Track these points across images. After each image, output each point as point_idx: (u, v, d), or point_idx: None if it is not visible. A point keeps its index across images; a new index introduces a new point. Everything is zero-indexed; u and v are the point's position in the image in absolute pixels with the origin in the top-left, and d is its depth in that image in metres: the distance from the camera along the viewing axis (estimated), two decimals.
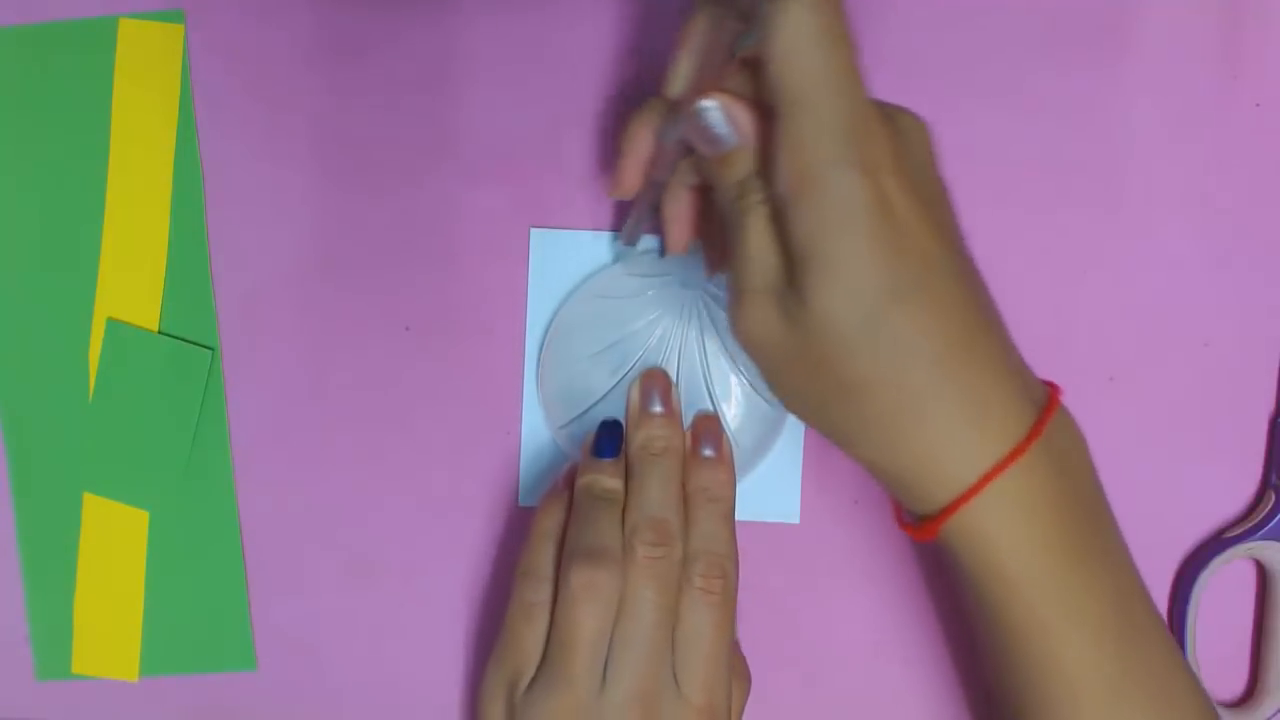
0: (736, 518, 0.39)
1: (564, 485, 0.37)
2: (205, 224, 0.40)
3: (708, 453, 0.36)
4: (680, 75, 0.32)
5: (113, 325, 0.40)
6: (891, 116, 0.30)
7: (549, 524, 0.36)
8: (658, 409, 0.37)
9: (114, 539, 0.41)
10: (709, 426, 0.37)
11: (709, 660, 0.33)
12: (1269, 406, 0.40)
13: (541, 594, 0.34)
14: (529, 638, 0.34)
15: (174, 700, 0.41)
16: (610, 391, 0.38)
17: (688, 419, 0.37)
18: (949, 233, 0.30)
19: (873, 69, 0.39)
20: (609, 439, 0.37)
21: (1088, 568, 0.31)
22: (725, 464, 0.36)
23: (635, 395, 0.37)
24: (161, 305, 0.40)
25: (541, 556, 0.35)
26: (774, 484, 0.40)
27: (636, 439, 0.36)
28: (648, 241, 0.40)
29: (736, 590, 0.34)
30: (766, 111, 0.29)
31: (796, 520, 0.40)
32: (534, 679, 0.33)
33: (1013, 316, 0.40)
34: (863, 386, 0.29)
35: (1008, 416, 0.30)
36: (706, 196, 0.35)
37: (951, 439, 0.29)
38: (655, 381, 0.37)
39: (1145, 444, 0.40)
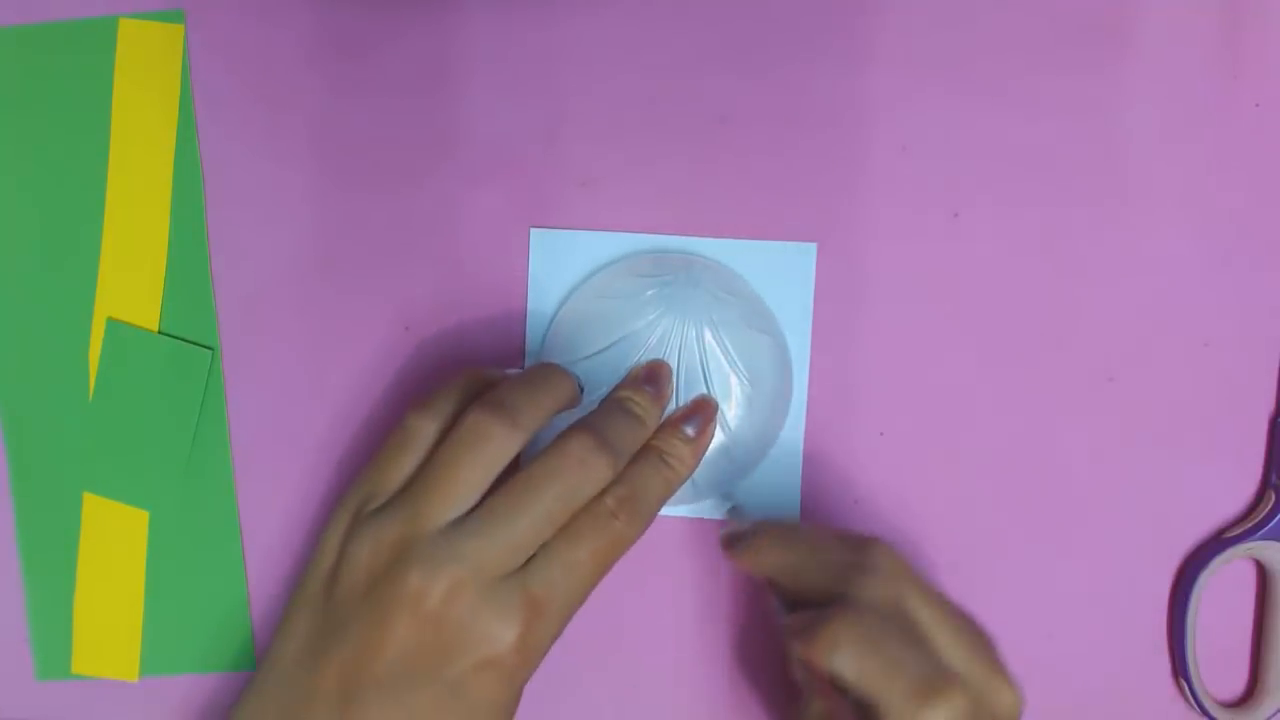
0: (737, 517, 0.39)
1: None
2: (205, 224, 0.40)
3: (688, 431, 0.36)
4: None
5: (113, 325, 0.40)
6: None
7: (469, 381, 0.35)
8: (649, 389, 0.36)
9: (114, 539, 0.41)
10: (704, 410, 0.36)
11: (569, 568, 0.31)
12: (1269, 406, 0.40)
13: (428, 426, 0.33)
14: (400, 465, 0.33)
15: (174, 700, 0.41)
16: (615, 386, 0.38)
17: None
18: None
19: (873, 69, 0.39)
20: (658, 373, 0.37)
21: None
22: (697, 449, 0.36)
23: (638, 370, 0.37)
24: (161, 305, 0.40)
25: (445, 397, 0.34)
26: (774, 484, 0.40)
27: (619, 393, 0.35)
28: (648, 241, 0.40)
29: (625, 546, 0.33)
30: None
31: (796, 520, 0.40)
32: (384, 503, 0.32)
33: (1013, 316, 0.40)
34: None
35: None
36: None
37: None
38: (659, 369, 0.37)
39: (1145, 444, 0.40)
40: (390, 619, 0.30)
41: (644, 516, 0.33)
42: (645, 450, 0.34)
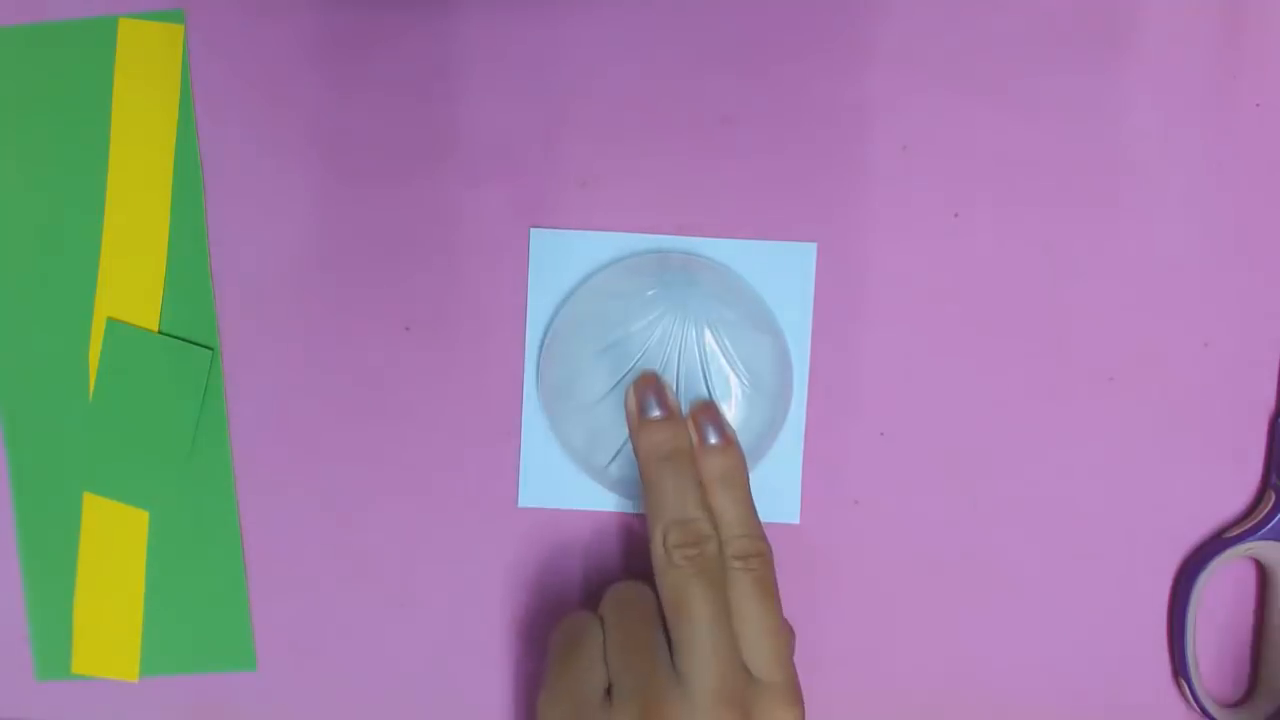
0: None
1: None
2: (205, 224, 0.40)
3: (713, 440, 0.36)
4: None
5: (113, 325, 0.40)
6: None
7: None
8: (656, 413, 0.36)
9: (114, 539, 0.41)
10: (708, 414, 0.37)
11: (770, 634, 0.34)
12: (1269, 406, 0.40)
13: (591, 623, 0.35)
14: (591, 660, 0.34)
15: (174, 700, 0.41)
16: (610, 391, 0.38)
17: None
18: None
19: (872, 68, 0.39)
20: (655, 394, 0.37)
21: None
22: (732, 446, 0.36)
23: (632, 403, 0.37)
24: (161, 305, 0.40)
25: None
26: (774, 484, 0.40)
27: (642, 445, 0.36)
28: (648, 241, 0.40)
29: (773, 561, 0.35)
30: None
31: (796, 520, 0.40)
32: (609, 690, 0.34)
33: (1013, 316, 0.40)
34: None
35: None
36: None
37: None
38: (649, 385, 0.37)
39: (1145, 444, 0.40)
40: None
41: (762, 541, 0.35)
42: (707, 488, 0.36)
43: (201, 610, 0.41)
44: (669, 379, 0.38)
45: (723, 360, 0.38)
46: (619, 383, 0.38)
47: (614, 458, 0.39)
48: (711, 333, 0.38)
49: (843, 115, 0.39)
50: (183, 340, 0.40)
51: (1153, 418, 0.40)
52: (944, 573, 0.40)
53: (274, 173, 0.40)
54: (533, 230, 0.40)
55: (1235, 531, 0.39)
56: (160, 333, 0.40)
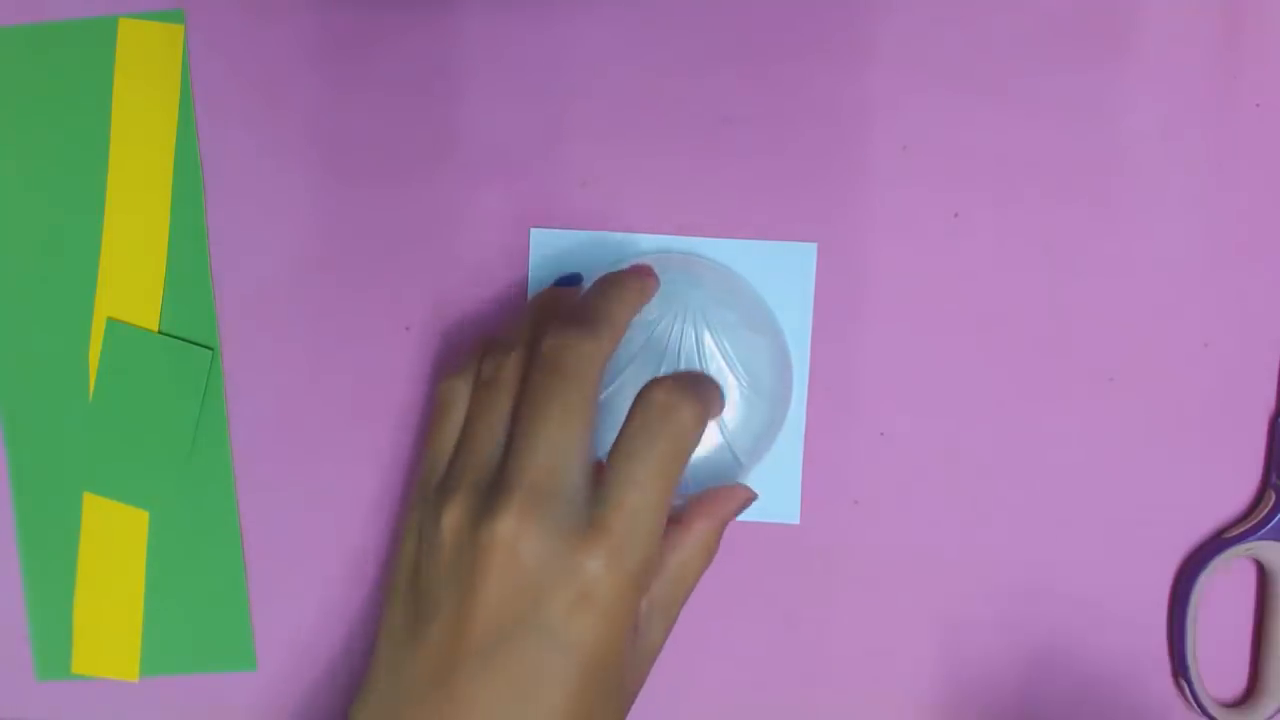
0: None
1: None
2: (205, 224, 0.40)
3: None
4: None
5: (113, 325, 0.40)
6: None
7: (483, 340, 0.36)
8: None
9: (114, 539, 0.41)
10: (701, 381, 0.35)
11: (635, 484, 0.30)
12: (1269, 406, 0.40)
13: (459, 388, 0.34)
14: (444, 436, 0.33)
15: (174, 700, 0.41)
16: (609, 391, 0.38)
17: None
18: None
19: (872, 68, 0.39)
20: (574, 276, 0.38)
21: None
22: (712, 393, 0.35)
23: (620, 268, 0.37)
24: (161, 305, 0.40)
25: (469, 355, 0.35)
26: (774, 484, 0.40)
27: (603, 279, 0.36)
28: (649, 242, 0.40)
29: (692, 445, 0.31)
30: None
31: (796, 520, 0.40)
32: (443, 477, 0.32)
33: (1013, 316, 0.40)
34: None
35: None
36: None
37: None
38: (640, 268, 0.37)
39: (1145, 444, 0.40)
40: (474, 580, 0.29)
41: (703, 401, 0.31)
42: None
43: (201, 610, 0.41)
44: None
45: (721, 361, 0.38)
46: (618, 382, 0.38)
47: None
48: (711, 335, 0.38)
49: (843, 115, 0.39)
50: (183, 340, 0.40)
51: (1153, 418, 0.40)
52: (944, 573, 0.40)
53: (274, 172, 0.40)
54: (533, 230, 0.40)
55: (1235, 531, 0.39)
56: (160, 333, 0.40)
